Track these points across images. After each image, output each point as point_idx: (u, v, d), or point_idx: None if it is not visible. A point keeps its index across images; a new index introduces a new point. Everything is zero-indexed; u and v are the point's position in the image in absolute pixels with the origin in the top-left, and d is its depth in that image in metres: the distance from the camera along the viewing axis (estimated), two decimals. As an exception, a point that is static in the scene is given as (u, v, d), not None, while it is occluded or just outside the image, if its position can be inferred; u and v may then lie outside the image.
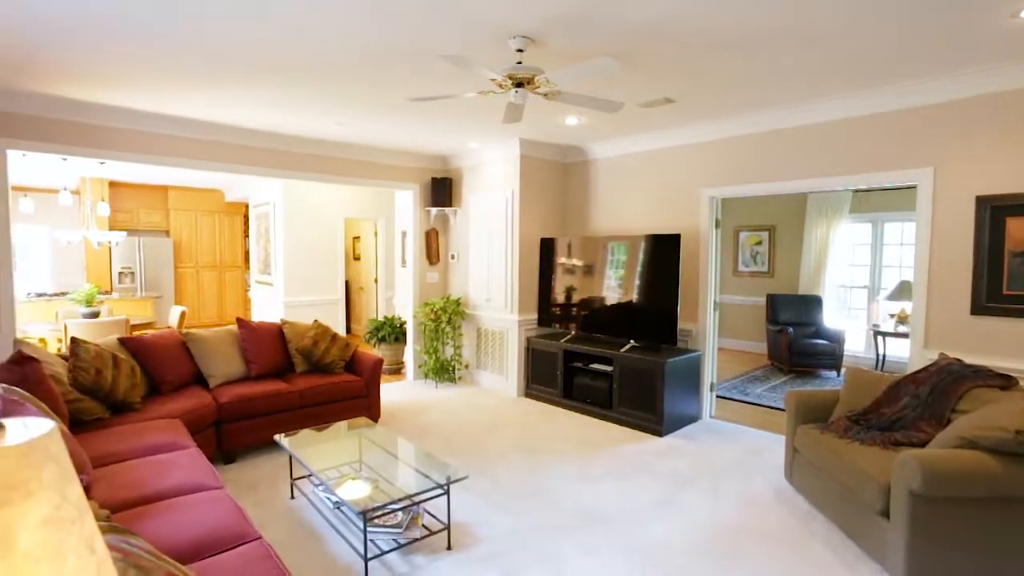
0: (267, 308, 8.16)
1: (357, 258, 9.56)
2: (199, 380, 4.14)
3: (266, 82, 3.64)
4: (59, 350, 5.29)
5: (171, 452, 2.81)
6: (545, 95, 3.07)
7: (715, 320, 4.91)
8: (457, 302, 6.18)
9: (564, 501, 3.33)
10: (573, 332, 5.47)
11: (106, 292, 8.29)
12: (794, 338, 6.62)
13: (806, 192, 4.71)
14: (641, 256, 4.88)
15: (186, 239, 9.66)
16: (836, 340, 6.67)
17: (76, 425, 3.20)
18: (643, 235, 4.89)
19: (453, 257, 6.52)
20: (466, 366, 6.31)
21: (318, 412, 4.24)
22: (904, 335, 5.99)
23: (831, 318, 7.23)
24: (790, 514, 3.15)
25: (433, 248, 6.53)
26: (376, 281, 8.80)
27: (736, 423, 4.83)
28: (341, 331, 8.04)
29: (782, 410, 5.03)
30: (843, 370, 6.52)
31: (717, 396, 5.23)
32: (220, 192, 9.92)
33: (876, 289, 7.20)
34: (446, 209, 6.34)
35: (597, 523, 3.07)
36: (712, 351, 4.93)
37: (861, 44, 2.94)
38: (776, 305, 7.17)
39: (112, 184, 8.91)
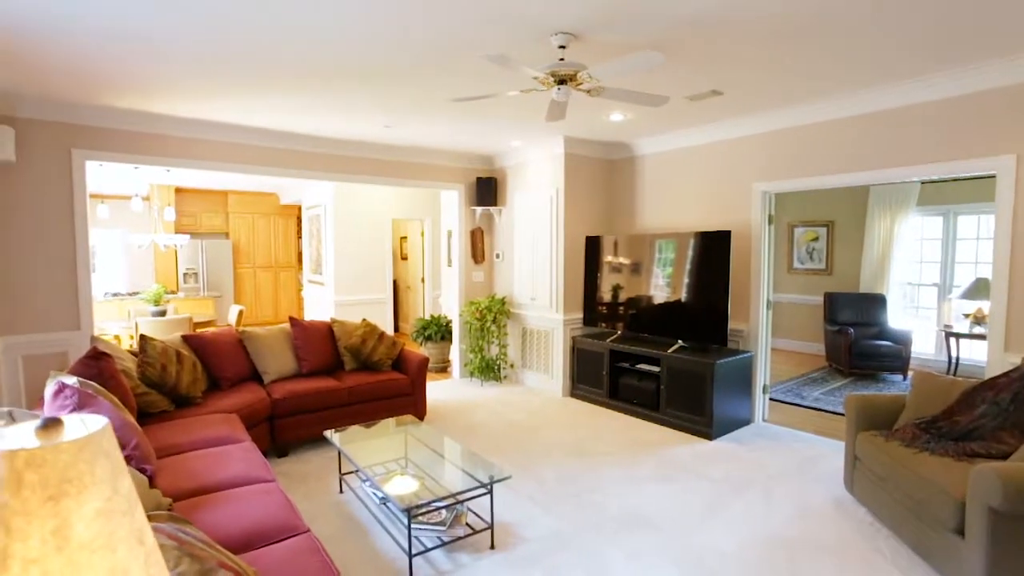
0: (319, 307, 8.44)
1: (404, 258, 9.74)
2: (255, 376, 4.31)
3: (314, 88, 3.75)
4: (130, 347, 5.64)
5: (228, 445, 2.93)
6: (588, 91, 3.02)
7: (768, 320, 4.71)
8: (502, 301, 6.19)
9: (610, 504, 3.27)
10: (619, 332, 5.38)
11: (172, 292, 8.77)
12: (855, 339, 6.28)
13: (868, 184, 4.44)
14: (690, 253, 4.75)
15: (244, 241, 10.11)
16: (902, 341, 6.28)
17: (143, 417, 3.39)
18: (692, 232, 4.75)
19: (498, 256, 6.54)
20: (511, 365, 6.32)
21: (366, 409, 4.34)
22: (981, 337, 5.57)
23: (896, 318, 6.81)
24: (851, 527, 2.98)
25: (478, 247, 6.56)
26: (423, 280, 8.94)
27: (791, 427, 4.62)
28: (389, 330, 8.21)
29: (841, 415, 4.78)
30: (910, 374, 6.13)
31: (770, 399, 5.03)
32: (275, 195, 10.32)
33: (948, 287, 6.73)
34: (491, 208, 6.37)
35: (643, 527, 3.00)
36: (765, 352, 4.73)
37: (932, 19, 2.74)
38: (835, 304, 6.82)
39: (178, 190, 9.43)
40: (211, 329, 4.54)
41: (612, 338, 5.31)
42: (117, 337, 5.66)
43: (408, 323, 9.31)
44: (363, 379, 4.41)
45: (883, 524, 2.96)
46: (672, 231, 5.15)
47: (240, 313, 6.48)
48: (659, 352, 4.74)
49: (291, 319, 4.62)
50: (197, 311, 7.63)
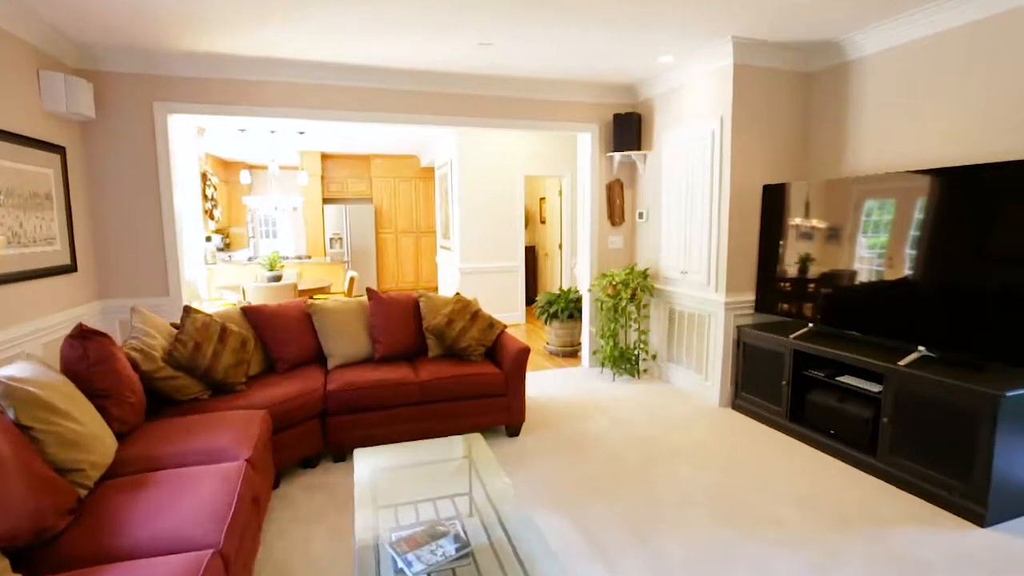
0: (448, 276, 7.83)
1: (543, 221, 8.67)
2: (320, 358, 3.63)
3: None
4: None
5: (213, 464, 2.17)
6: None
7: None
8: (644, 274, 4.78)
9: (779, 641, 1.86)
10: (810, 325, 3.65)
11: (306, 257, 8.86)
12: None
13: None
14: (948, 204, 2.85)
15: (386, 206, 9.95)
16: None
17: (168, 405, 2.85)
18: (956, 167, 2.83)
19: (641, 216, 5.09)
20: (653, 356, 4.91)
21: (443, 409, 3.40)
22: None
23: None
24: None
25: (616, 205, 5.18)
26: (560, 247, 7.79)
27: None
28: (519, 303, 7.27)
29: None
30: None
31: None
32: (416, 158, 9.95)
33: None
34: (632, 154, 4.92)
35: None
36: (1099, 377, 2.68)
37: None
38: None
39: (324, 156, 9.52)
40: (282, 301, 3.98)
41: (798, 333, 3.61)
42: (232, 305, 5.57)
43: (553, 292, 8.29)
44: (443, 371, 3.46)
45: None
46: (914, 168, 3.20)
47: (352, 280, 6.03)
48: (883, 362, 2.98)
49: (369, 291, 3.84)
50: (321, 277, 7.50)
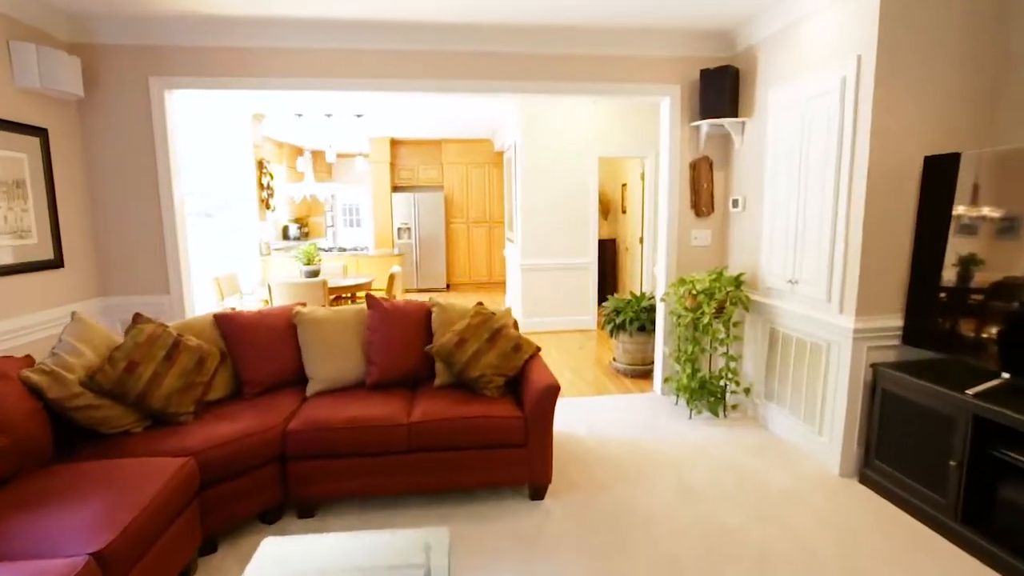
0: (512, 272, 7.00)
1: (624, 211, 7.53)
2: (304, 380, 2.95)
3: None
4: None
5: (40, 560, 1.51)
6: None
7: None
8: (736, 281, 3.61)
9: None
10: (1005, 376, 2.33)
11: (362, 249, 8.40)
12: None
13: None
14: None
15: (457, 194, 9.30)
16: None
17: (96, 439, 2.29)
18: None
19: (735, 205, 3.89)
20: (745, 390, 3.73)
21: (440, 461, 2.57)
22: None
23: None
24: None
25: (702, 190, 4.02)
26: (641, 241, 6.64)
27: None
28: (590, 306, 6.26)
29: None
30: None
31: None
32: (490, 142, 9.19)
33: None
34: (725, 122, 3.73)
35: None
36: None
37: None
38: None
39: (394, 142, 9.05)
40: (266, 306, 3.35)
41: (983, 388, 2.31)
42: (266, 301, 5.14)
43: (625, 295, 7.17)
44: (441, 409, 2.62)
45: None
46: None
47: (391, 277, 5.37)
48: None
49: (368, 298, 3.09)
50: (372, 271, 6.96)
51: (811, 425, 3.12)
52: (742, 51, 3.71)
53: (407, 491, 2.57)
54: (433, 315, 3.09)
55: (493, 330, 2.94)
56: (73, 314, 2.56)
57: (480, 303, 3.13)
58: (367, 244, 9.77)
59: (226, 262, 5.81)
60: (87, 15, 3.30)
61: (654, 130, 5.92)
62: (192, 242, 5.20)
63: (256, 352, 2.85)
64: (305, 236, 9.81)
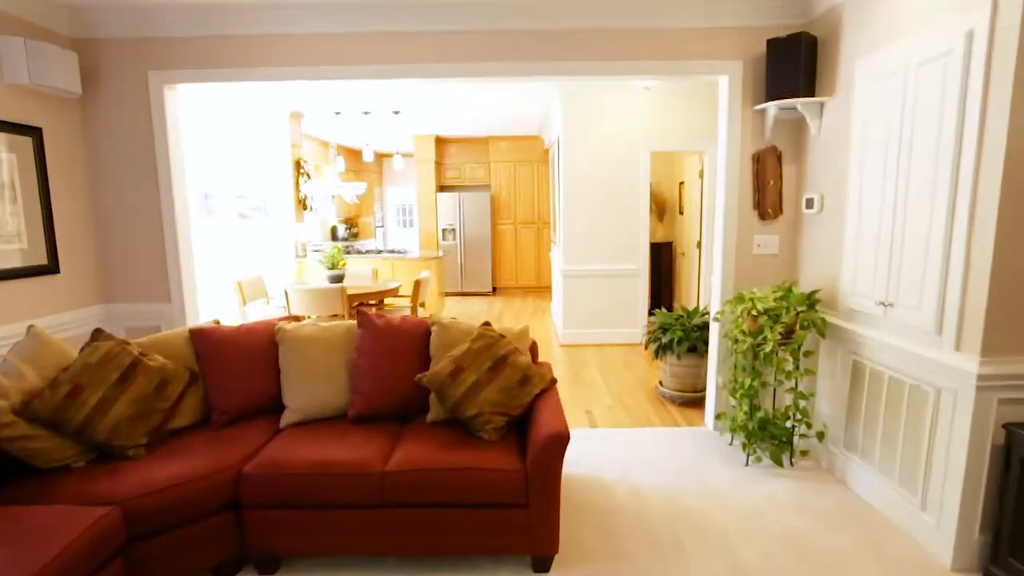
0: (556, 277, 6.47)
1: (682, 212, 6.79)
2: (281, 407, 2.59)
3: None
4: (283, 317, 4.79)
5: None
6: None
7: None
8: (810, 299, 2.92)
9: None
10: None
11: (400, 252, 8.10)
12: None
13: None
14: None
15: (505, 193, 8.86)
16: None
17: (25, 474, 2.02)
18: None
19: (810, 206, 3.18)
20: (818, 434, 3.02)
21: (420, 520, 2.11)
22: None
23: None
24: None
25: (768, 188, 3.34)
26: (699, 245, 5.92)
27: None
28: (639, 318, 5.63)
29: None
30: None
31: None
32: (539, 139, 8.68)
33: None
34: (799, 103, 3.03)
35: None
36: None
37: None
38: None
39: (439, 140, 8.73)
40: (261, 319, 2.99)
41: None
42: (286, 308, 4.90)
43: (680, 304, 6.46)
44: (424, 456, 2.16)
45: None
46: None
47: (417, 284, 4.98)
48: None
49: (358, 314, 2.68)
50: (404, 277, 6.62)
51: (910, 493, 2.41)
52: (821, 14, 3.00)
53: (380, 553, 2.13)
54: (433, 336, 2.64)
55: (497, 358, 2.45)
56: (29, 328, 2.31)
57: (487, 323, 2.65)
58: (414, 246, 9.55)
59: (257, 265, 5.66)
60: (87, 6, 3.11)
61: (714, 121, 5.20)
62: (220, 244, 5.11)
63: (228, 374, 2.51)
64: (354, 237, 9.71)
